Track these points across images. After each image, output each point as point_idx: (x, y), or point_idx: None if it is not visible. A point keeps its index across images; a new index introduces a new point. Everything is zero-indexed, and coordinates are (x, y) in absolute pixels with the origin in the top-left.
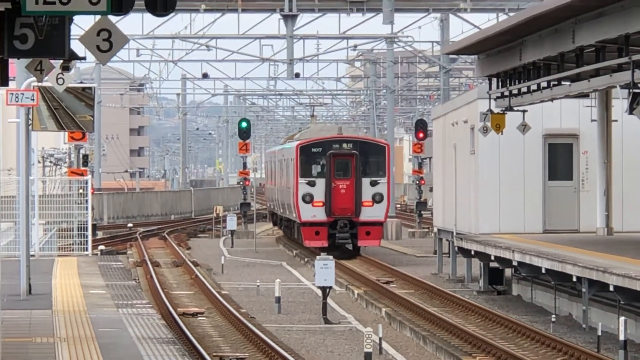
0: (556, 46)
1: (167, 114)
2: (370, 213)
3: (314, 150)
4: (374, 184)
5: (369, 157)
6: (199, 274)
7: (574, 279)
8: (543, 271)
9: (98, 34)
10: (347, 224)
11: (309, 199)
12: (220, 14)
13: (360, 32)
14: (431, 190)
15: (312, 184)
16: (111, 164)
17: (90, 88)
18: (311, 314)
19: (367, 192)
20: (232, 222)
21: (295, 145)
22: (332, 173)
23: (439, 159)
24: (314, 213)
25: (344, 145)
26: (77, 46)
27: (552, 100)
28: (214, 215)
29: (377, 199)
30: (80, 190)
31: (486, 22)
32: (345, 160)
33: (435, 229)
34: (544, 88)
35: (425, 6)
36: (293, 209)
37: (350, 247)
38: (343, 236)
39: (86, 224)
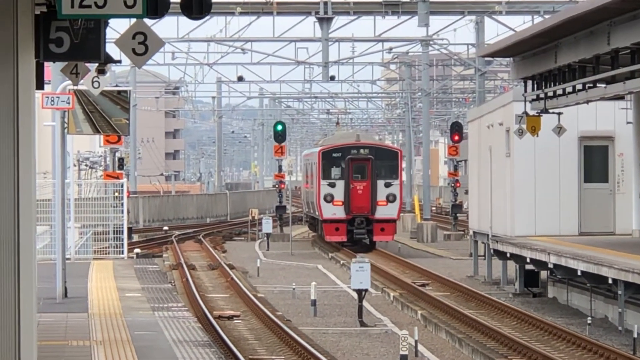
0: (591, 48)
1: (202, 117)
2: (384, 211)
3: (334, 155)
4: (387, 185)
5: (383, 162)
6: (234, 277)
7: (610, 281)
8: (579, 273)
9: (134, 37)
10: (363, 221)
11: (330, 198)
12: (256, 17)
13: (396, 34)
14: (467, 192)
15: (332, 185)
16: (147, 167)
17: (125, 91)
18: (347, 316)
19: (382, 192)
20: (267, 225)
21: (317, 151)
22: (351, 175)
23: (474, 162)
24: (334, 211)
25: (361, 150)
26: (112, 49)
27: (587, 102)
28: (250, 218)
29: (390, 199)
30: (116, 194)
31: (521, 24)
32: (362, 164)
33: (470, 232)
34: (579, 90)
35: (460, 9)
36: (316, 208)
37: (367, 242)
38: (360, 232)
39: (122, 227)
